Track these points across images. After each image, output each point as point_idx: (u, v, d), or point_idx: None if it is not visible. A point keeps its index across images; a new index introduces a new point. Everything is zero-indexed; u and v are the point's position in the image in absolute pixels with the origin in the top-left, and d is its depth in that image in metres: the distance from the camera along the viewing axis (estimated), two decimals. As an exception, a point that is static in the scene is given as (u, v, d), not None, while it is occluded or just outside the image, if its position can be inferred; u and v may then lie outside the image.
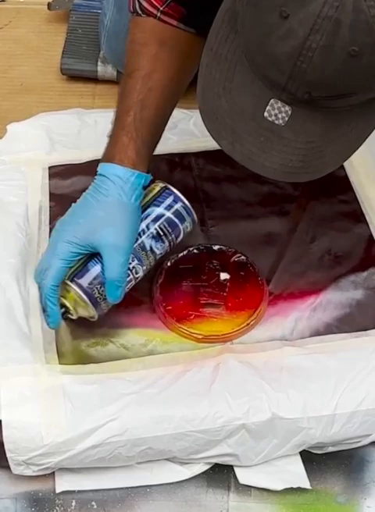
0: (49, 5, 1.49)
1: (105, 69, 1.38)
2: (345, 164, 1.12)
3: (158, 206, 0.95)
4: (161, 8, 0.95)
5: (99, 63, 1.38)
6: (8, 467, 0.88)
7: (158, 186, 0.96)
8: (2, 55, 1.44)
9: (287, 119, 0.78)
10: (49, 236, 1.06)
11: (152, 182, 0.95)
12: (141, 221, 0.94)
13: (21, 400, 0.88)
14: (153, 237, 0.94)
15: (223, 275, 1.01)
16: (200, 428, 0.88)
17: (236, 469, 0.91)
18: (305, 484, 0.90)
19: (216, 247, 1.04)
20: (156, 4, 0.95)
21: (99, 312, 0.93)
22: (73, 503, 0.89)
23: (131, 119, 0.93)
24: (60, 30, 1.47)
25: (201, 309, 0.99)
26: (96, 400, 0.89)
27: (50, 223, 1.08)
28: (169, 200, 0.96)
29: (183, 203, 0.96)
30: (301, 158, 0.80)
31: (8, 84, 1.39)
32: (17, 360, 0.91)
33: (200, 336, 0.97)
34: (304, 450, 0.91)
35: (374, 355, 0.93)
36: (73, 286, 0.91)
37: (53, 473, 0.90)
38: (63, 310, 0.92)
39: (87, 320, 0.94)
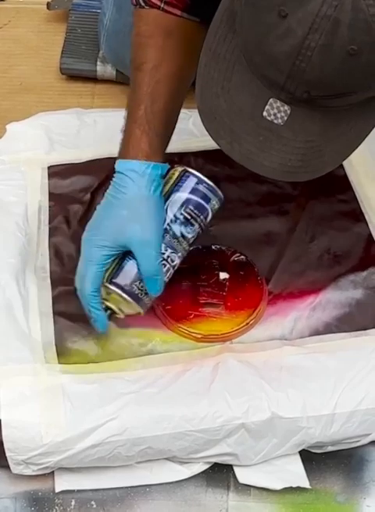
0: (48, 5, 1.49)
1: (104, 69, 1.38)
2: (344, 163, 1.12)
3: (181, 191, 0.93)
4: None
5: (98, 63, 1.38)
6: (7, 467, 0.88)
7: (178, 171, 0.94)
8: (2, 55, 1.44)
9: (286, 118, 0.78)
10: (49, 236, 1.07)
11: (171, 168, 0.93)
12: (167, 209, 0.92)
13: (21, 399, 0.88)
14: (182, 223, 0.92)
15: (223, 275, 1.01)
16: (199, 427, 0.88)
17: (235, 468, 0.91)
18: (305, 483, 0.90)
19: (215, 247, 1.04)
20: None
21: (143, 307, 0.92)
22: (73, 503, 0.89)
23: (142, 112, 0.92)
24: (59, 30, 1.47)
25: (200, 308, 0.99)
26: (96, 399, 0.89)
27: (49, 223, 1.08)
28: (191, 183, 0.93)
29: (206, 183, 0.93)
30: (300, 158, 0.80)
31: (8, 84, 1.39)
32: (17, 360, 0.91)
33: (199, 336, 0.97)
34: (303, 450, 0.91)
35: (374, 354, 0.93)
36: (113, 287, 0.90)
37: (52, 472, 0.90)
38: (109, 312, 0.91)
39: (85, 319, 0.94)
